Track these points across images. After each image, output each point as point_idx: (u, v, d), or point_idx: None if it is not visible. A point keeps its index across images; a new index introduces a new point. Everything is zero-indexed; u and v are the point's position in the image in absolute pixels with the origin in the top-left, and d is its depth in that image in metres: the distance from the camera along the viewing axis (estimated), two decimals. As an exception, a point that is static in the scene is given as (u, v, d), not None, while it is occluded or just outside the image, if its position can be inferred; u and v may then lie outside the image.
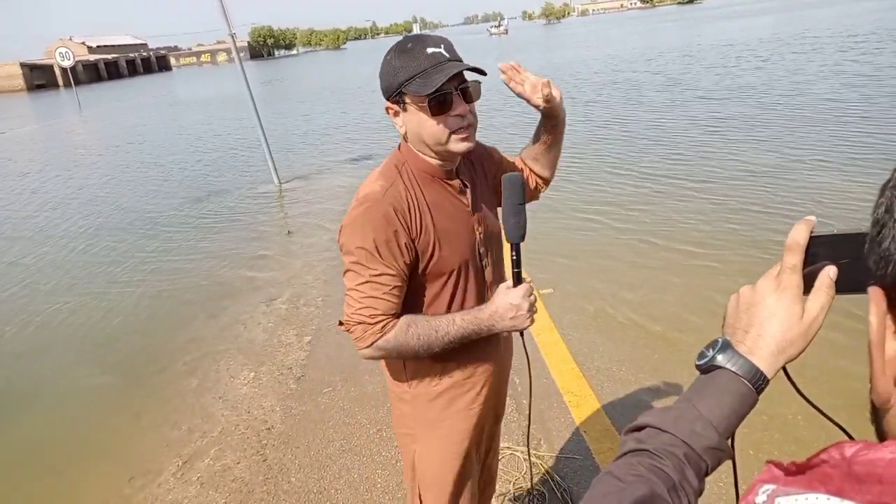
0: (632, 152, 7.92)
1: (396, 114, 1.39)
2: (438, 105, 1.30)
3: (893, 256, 0.45)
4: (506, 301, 1.37)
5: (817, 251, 0.63)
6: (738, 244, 4.71)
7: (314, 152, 11.34)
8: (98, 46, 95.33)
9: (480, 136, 1.49)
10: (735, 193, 5.88)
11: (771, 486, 0.43)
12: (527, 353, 1.50)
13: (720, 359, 0.66)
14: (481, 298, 1.49)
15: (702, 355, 0.68)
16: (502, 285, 1.41)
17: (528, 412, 1.63)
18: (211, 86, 41.27)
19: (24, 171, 13.01)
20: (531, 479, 1.88)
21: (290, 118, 16.94)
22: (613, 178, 6.79)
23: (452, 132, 1.34)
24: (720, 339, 0.68)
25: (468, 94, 1.35)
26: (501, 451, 2.69)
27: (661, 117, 10.13)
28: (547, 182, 1.72)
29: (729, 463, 0.68)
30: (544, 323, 3.86)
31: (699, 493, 0.63)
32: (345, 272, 1.40)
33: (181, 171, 11.12)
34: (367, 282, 1.34)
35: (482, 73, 1.36)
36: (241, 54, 8.92)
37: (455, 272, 1.43)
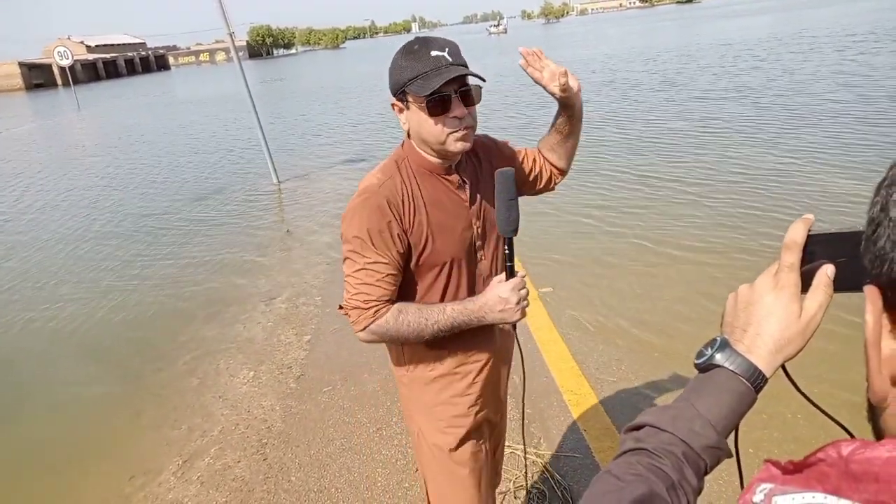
0: (628, 153, 7.91)
1: (401, 111, 1.44)
2: (437, 106, 1.35)
3: (889, 255, 0.45)
4: (495, 294, 1.42)
5: (815, 250, 0.63)
6: (733, 245, 4.71)
7: (313, 152, 11.33)
8: (96, 46, 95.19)
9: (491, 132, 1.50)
10: (733, 193, 5.88)
11: (768, 485, 0.43)
12: (520, 347, 1.58)
13: (719, 357, 0.66)
14: (475, 291, 1.53)
15: (700, 354, 0.68)
16: (495, 278, 1.45)
17: (521, 408, 1.69)
18: (209, 85, 41.22)
19: (19, 171, 12.99)
20: (526, 476, 1.91)
21: (289, 118, 16.93)
22: (610, 180, 6.79)
23: (450, 133, 1.38)
24: (718, 338, 0.68)
25: (468, 97, 1.39)
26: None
27: (657, 118, 10.12)
28: (563, 173, 1.74)
29: (729, 461, 0.68)
30: (543, 321, 3.87)
31: (698, 491, 0.63)
32: (343, 259, 1.47)
33: (179, 170, 11.11)
34: (361, 269, 1.41)
35: (481, 79, 1.40)
36: (240, 54, 8.91)
37: (448, 264, 1.48)
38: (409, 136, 1.48)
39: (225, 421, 3.33)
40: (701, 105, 10.73)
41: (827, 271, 0.62)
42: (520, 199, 1.73)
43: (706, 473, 0.65)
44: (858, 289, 0.56)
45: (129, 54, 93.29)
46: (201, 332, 4.47)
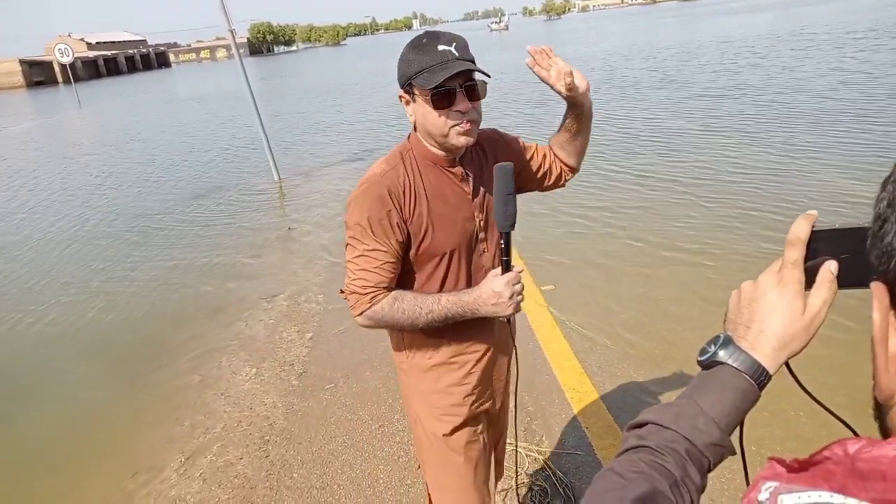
0: (626, 152, 7.88)
1: (407, 103, 1.47)
2: (442, 99, 1.37)
3: (896, 251, 0.45)
4: (489, 287, 1.44)
5: (819, 246, 0.63)
6: (733, 243, 4.70)
7: (314, 149, 11.33)
8: (97, 43, 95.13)
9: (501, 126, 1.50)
10: (731, 193, 5.87)
11: (773, 483, 0.43)
12: (513, 341, 1.62)
13: (722, 354, 0.66)
14: (474, 283, 1.54)
15: (703, 351, 0.68)
16: (492, 272, 1.47)
17: (514, 403, 1.72)
18: (210, 82, 41.22)
19: (17, 169, 13.00)
20: (516, 471, 1.93)
21: (289, 115, 16.92)
22: (608, 179, 6.76)
23: (454, 126, 1.40)
24: (722, 335, 0.68)
25: (473, 92, 1.40)
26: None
27: (656, 116, 10.10)
28: (573, 170, 1.74)
29: (732, 458, 0.68)
30: (545, 319, 3.86)
31: (701, 489, 0.63)
32: (346, 245, 1.51)
33: (180, 167, 11.11)
34: (360, 255, 1.45)
35: (486, 75, 1.42)
36: (241, 51, 8.90)
37: (447, 255, 1.50)
38: (415, 128, 1.50)
39: (227, 418, 3.33)
40: (700, 103, 10.71)
41: (830, 267, 0.62)
42: (526, 195, 1.75)
43: (709, 471, 0.65)
44: (863, 285, 0.56)
45: (130, 51, 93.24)
46: (203, 329, 4.47)
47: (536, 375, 3.27)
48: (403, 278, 1.51)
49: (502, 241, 1.41)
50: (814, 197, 5.41)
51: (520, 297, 1.46)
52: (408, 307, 1.45)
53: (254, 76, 32.65)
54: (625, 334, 3.61)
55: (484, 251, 1.56)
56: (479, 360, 1.61)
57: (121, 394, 3.80)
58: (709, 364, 0.67)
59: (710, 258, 4.49)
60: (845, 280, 0.62)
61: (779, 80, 11.84)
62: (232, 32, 8.43)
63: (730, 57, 16.79)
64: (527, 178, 1.70)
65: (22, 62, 67.90)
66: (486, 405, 1.69)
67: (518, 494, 2.47)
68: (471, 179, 1.53)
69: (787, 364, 0.66)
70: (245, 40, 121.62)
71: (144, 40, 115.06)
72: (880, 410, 0.50)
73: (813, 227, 0.63)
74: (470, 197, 1.52)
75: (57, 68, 65.64)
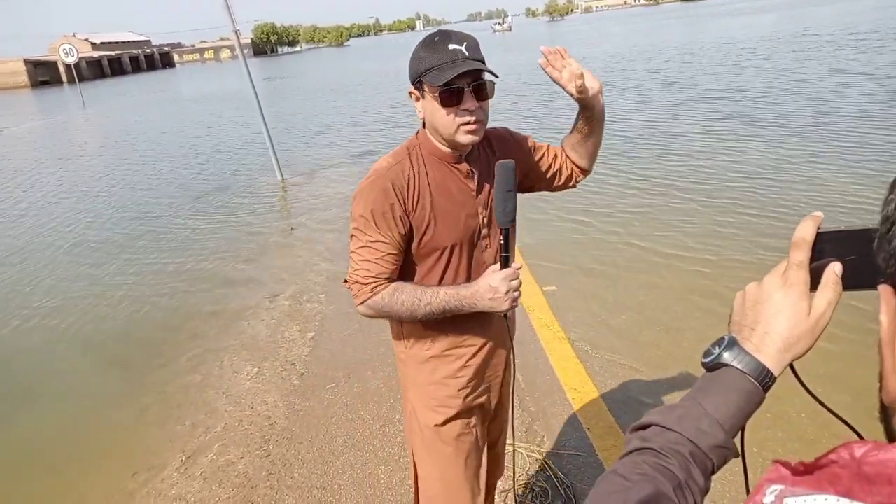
0: (626, 154, 7.85)
1: (417, 99, 1.50)
2: (449, 97, 1.40)
3: (904, 254, 0.45)
4: (487, 283, 1.46)
5: (824, 247, 0.62)
6: (732, 246, 4.69)
7: (317, 150, 11.34)
8: (102, 43, 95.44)
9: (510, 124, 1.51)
10: (729, 195, 5.86)
11: (779, 487, 0.43)
12: (510, 338, 1.65)
13: (726, 356, 0.65)
14: (474, 278, 1.56)
15: (708, 353, 0.67)
16: (490, 268, 1.49)
17: (512, 400, 1.73)
18: (214, 82, 41.31)
19: (18, 169, 13.03)
20: (514, 470, 1.94)
21: (292, 116, 16.94)
22: (607, 182, 6.75)
23: (460, 124, 1.42)
24: (726, 337, 0.67)
25: (481, 92, 1.42)
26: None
27: (657, 118, 10.08)
28: (585, 171, 1.76)
29: (735, 461, 0.67)
30: (547, 319, 3.86)
31: (705, 491, 0.62)
32: (350, 235, 1.53)
33: (184, 167, 11.13)
34: (363, 246, 1.48)
35: (494, 75, 1.44)
36: (245, 51, 8.91)
37: (448, 249, 1.53)
38: (423, 124, 1.53)
39: (228, 417, 3.33)
40: (701, 105, 10.69)
41: (834, 269, 0.61)
42: (531, 197, 1.75)
43: (713, 473, 0.64)
44: (868, 287, 0.55)
45: (134, 52, 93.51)
46: (204, 328, 4.47)
47: (538, 376, 3.27)
48: (405, 270, 1.54)
49: (501, 237, 1.43)
50: (813, 199, 5.39)
51: (517, 293, 1.47)
52: (407, 298, 1.48)
53: (257, 77, 32.73)
54: (626, 335, 3.61)
55: (486, 247, 1.58)
56: (474, 354, 1.63)
57: (122, 393, 3.81)
58: (713, 366, 0.66)
59: (710, 260, 4.48)
60: (851, 282, 0.61)
61: (780, 82, 11.81)
62: (236, 33, 8.45)
63: (732, 59, 16.77)
64: (535, 178, 1.71)
65: (26, 62, 68.11)
66: (481, 399, 1.70)
67: (519, 495, 2.47)
68: (476, 176, 1.54)
69: (791, 366, 0.66)
70: (249, 41, 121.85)
71: (148, 41, 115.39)
72: (886, 413, 0.49)
73: (818, 228, 0.62)
74: (474, 193, 1.54)
75: (61, 68, 65.85)
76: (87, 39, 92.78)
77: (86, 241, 7.07)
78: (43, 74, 68.94)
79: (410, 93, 1.50)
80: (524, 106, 12.88)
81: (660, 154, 7.68)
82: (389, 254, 1.48)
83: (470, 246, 1.56)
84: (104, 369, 4.18)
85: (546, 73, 1.51)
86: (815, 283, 0.63)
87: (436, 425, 1.64)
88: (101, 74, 76.93)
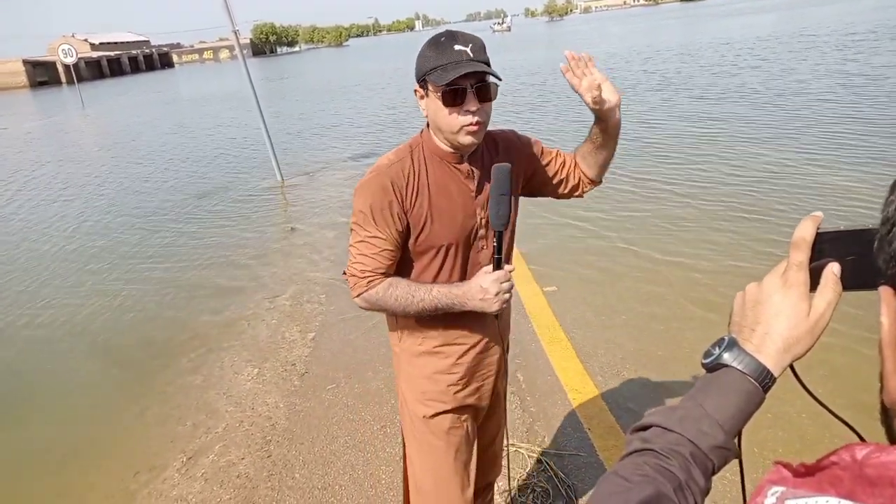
0: (623, 155, 7.80)
1: (422, 97, 1.51)
2: (452, 97, 1.42)
3: (905, 255, 0.45)
4: (478, 283, 1.49)
5: (824, 248, 0.63)
6: (732, 247, 4.70)
7: (316, 151, 11.34)
8: (101, 43, 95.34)
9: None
10: (727, 196, 5.86)
11: (780, 488, 0.43)
12: (500, 337, 1.67)
13: (727, 357, 0.65)
14: (468, 278, 1.58)
15: (708, 353, 0.67)
16: (483, 268, 1.51)
17: (504, 401, 1.77)
18: (213, 83, 41.29)
19: (19, 169, 13.02)
20: (509, 469, 1.95)
21: (292, 116, 16.94)
22: (608, 181, 6.72)
23: (462, 125, 1.44)
24: (726, 338, 0.67)
25: (484, 93, 1.44)
26: (504, 448, 2.69)
27: (654, 119, 10.06)
28: (593, 182, 1.74)
29: (734, 461, 0.67)
30: (547, 320, 3.86)
31: (706, 492, 0.63)
32: (350, 229, 1.57)
33: (184, 168, 11.13)
34: (361, 241, 1.52)
35: (498, 78, 1.45)
36: (244, 51, 8.91)
37: (444, 248, 1.55)
38: (427, 124, 1.56)
39: (229, 418, 3.33)
40: (699, 106, 10.68)
41: (833, 269, 0.61)
42: (542, 199, 1.75)
43: (713, 474, 0.64)
44: (868, 287, 0.55)
45: (133, 52, 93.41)
46: (205, 329, 4.47)
47: (539, 376, 3.27)
48: (403, 266, 1.57)
49: (494, 239, 1.45)
50: (812, 201, 5.38)
51: (507, 295, 1.49)
52: (401, 294, 1.51)
53: (256, 77, 32.72)
54: (626, 335, 3.61)
55: (482, 248, 1.60)
56: (465, 353, 1.65)
57: (122, 393, 3.81)
58: (713, 367, 0.66)
59: (708, 262, 4.48)
60: (851, 282, 0.62)
61: (778, 83, 11.81)
62: (236, 33, 8.44)
63: (730, 59, 16.76)
64: (540, 183, 1.71)
65: (25, 62, 68.06)
66: (472, 398, 1.71)
67: (520, 495, 2.47)
68: (476, 177, 1.56)
69: (791, 367, 0.66)
70: (248, 41, 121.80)
71: (147, 41, 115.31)
72: (887, 415, 0.50)
73: (818, 228, 0.62)
74: (473, 194, 1.56)
75: (60, 69, 65.76)
76: (86, 40, 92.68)
77: (85, 242, 7.07)
78: (42, 75, 68.88)
79: (415, 90, 1.52)
80: (523, 106, 12.88)
81: (657, 156, 7.68)
82: (386, 249, 1.51)
83: (466, 246, 1.57)
84: (104, 370, 4.18)
85: (565, 77, 1.51)
86: (814, 283, 0.63)
87: (425, 417, 1.67)
88: (100, 75, 76.83)
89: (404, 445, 1.76)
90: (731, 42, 21.91)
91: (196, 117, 19.58)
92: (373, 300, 1.53)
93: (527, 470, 2.60)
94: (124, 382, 3.95)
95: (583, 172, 1.72)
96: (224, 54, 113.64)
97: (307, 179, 8.93)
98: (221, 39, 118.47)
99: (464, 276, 1.58)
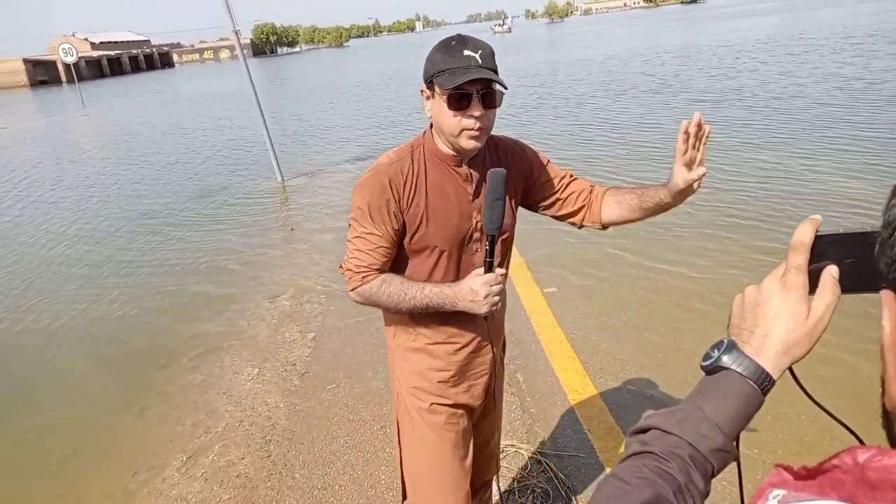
0: (622, 156, 7.83)
1: (428, 98, 1.53)
2: (457, 101, 1.43)
3: (907, 259, 0.45)
4: (468, 285, 1.50)
5: (823, 250, 0.63)
6: (730, 250, 4.70)
7: (317, 151, 11.34)
8: (101, 43, 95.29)
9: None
10: (725, 198, 5.86)
11: (781, 492, 0.43)
12: (492, 341, 1.67)
13: (726, 359, 0.65)
14: (461, 279, 1.58)
15: (707, 356, 0.67)
16: (475, 271, 1.52)
17: (497, 402, 1.78)
18: (213, 83, 41.28)
19: (18, 169, 13.01)
20: (498, 470, 1.95)
21: (292, 117, 16.93)
22: (607, 183, 6.71)
23: (465, 129, 1.45)
24: (725, 340, 0.67)
25: (489, 100, 1.45)
26: (504, 449, 2.70)
27: (652, 121, 10.06)
28: (599, 224, 1.69)
29: (733, 463, 0.68)
30: (547, 321, 3.86)
31: (705, 495, 0.63)
32: (348, 224, 1.60)
33: (183, 168, 11.12)
34: (358, 237, 1.55)
35: (504, 86, 1.47)
36: (244, 51, 8.91)
37: (438, 249, 1.57)
38: (431, 125, 1.57)
39: (229, 418, 3.33)
40: (697, 108, 10.65)
41: (831, 272, 0.62)
42: (537, 214, 1.75)
43: (713, 476, 0.65)
44: (867, 290, 0.55)
45: (134, 52, 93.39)
46: (205, 329, 4.48)
47: (539, 377, 3.27)
48: (398, 264, 1.60)
49: (486, 243, 1.47)
50: (810, 203, 5.38)
51: (496, 298, 1.50)
52: (394, 290, 1.53)
53: (256, 77, 32.70)
54: (626, 336, 3.61)
55: (476, 251, 1.61)
56: (456, 352, 1.67)
57: (122, 393, 3.81)
58: (712, 369, 0.66)
59: (707, 264, 4.49)
60: (850, 285, 0.62)
61: (776, 86, 11.81)
62: (236, 33, 8.44)
63: (728, 62, 16.75)
64: (536, 197, 1.69)
65: (26, 61, 68.02)
66: (465, 398, 1.72)
67: (520, 496, 2.47)
68: (474, 181, 1.57)
69: (790, 369, 0.66)
70: (248, 41, 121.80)
71: (148, 40, 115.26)
72: (889, 418, 0.50)
73: (817, 231, 0.63)
74: (471, 197, 1.57)
75: (61, 68, 65.77)
76: (86, 39, 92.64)
77: (84, 243, 7.07)
78: (42, 74, 68.84)
79: (422, 91, 1.54)
80: (521, 108, 12.87)
81: (656, 157, 7.68)
82: (381, 246, 1.54)
83: (460, 248, 1.59)
84: (104, 370, 4.17)
85: (679, 139, 1.42)
86: (813, 285, 0.63)
87: (420, 409, 1.69)
88: (101, 74, 76.81)
89: (399, 443, 1.77)
90: (731, 45, 21.91)
91: (196, 117, 19.56)
92: (367, 295, 1.56)
93: (527, 471, 2.60)
94: (123, 382, 3.95)
95: (597, 210, 1.67)
96: (224, 54, 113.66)
97: (307, 180, 8.93)
98: (222, 39, 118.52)
99: (457, 277, 1.59)
